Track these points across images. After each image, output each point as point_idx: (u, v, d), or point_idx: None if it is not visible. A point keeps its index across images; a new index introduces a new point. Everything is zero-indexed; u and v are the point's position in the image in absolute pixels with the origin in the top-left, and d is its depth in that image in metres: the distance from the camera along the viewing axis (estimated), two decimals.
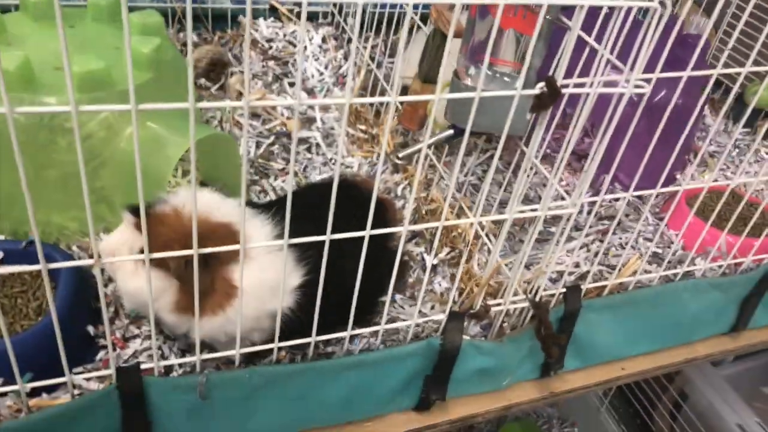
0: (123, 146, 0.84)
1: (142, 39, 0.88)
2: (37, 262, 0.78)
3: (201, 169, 1.01)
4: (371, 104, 1.20)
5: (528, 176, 0.67)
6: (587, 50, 0.70)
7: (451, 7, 0.90)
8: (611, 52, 0.60)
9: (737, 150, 1.32)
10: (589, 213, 1.01)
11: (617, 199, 1.06)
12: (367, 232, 0.58)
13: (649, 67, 0.59)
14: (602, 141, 0.61)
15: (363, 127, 1.18)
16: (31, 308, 0.75)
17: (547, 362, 0.84)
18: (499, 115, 0.64)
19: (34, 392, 0.65)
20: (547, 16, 0.67)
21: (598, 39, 0.61)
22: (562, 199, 0.69)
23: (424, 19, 1.16)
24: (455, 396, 0.80)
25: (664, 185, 0.84)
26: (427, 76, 0.94)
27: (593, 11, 0.62)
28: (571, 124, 0.61)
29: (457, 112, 0.75)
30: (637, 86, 0.58)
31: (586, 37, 0.61)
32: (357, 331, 0.72)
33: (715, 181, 1.09)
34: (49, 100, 0.81)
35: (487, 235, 0.87)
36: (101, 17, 0.96)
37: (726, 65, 0.70)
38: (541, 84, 0.56)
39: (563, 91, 0.55)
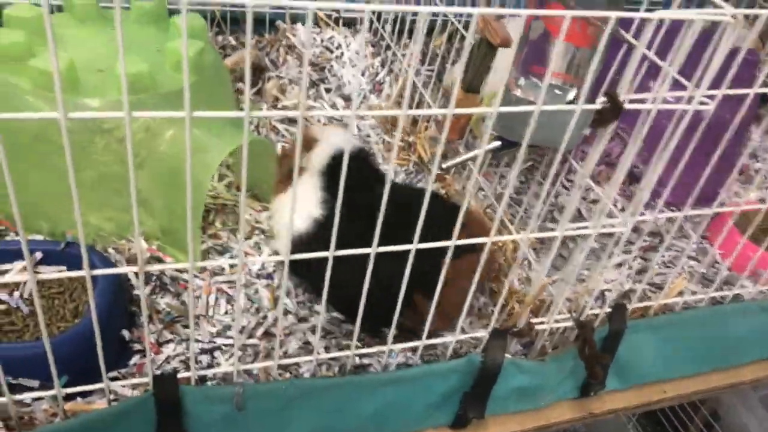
0: (163, 149, 0.84)
1: (187, 42, 0.87)
2: (75, 263, 0.78)
3: (238, 172, 1.00)
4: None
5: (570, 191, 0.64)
6: (645, 65, 0.68)
7: (499, 16, 0.88)
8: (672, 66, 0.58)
9: None
10: (634, 230, 0.98)
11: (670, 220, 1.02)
12: (452, 243, 0.57)
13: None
14: (660, 159, 0.59)
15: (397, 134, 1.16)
16: (68, 310, 0.74)
17: (587, 382, 0.82)
18: (552, 129, 0.62)
19: (69, 396, 0.65)
20: (603, 27, 0.64)
21: (659, 52, 0.59)
22: (608, 215, 0.67)
23: (465, 25, 1.15)
24: (492, 414, 0.78)
25: (709, 203, 0.81)
26: (471, 85, 0.92)
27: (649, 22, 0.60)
28: (630, 142, 0.58)
29: (506, 125, 0.73)
30: (701, 103, 0.56)
31: (652, 56, 0.59)
32: (397, 346, 0.70)
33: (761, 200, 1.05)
34: (92, 102, 0.81)
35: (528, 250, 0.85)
36: (144, 19, 0.96)
37: None
38: (603, 99, 0.54)
39: (628, 106, 0.53)
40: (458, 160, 0.79)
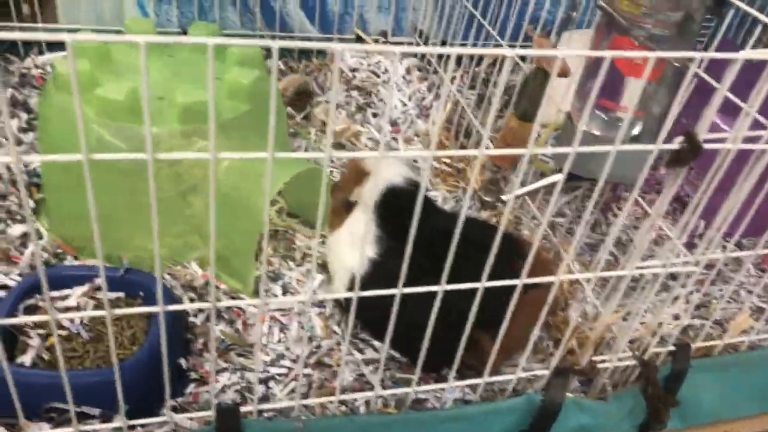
0: (219, 177, 0.84)
1: (242, 71, 0.88)
2: (133, 290, 0.79)
3: (288, 200, 1.01)
4: (456, 136, 1.18)
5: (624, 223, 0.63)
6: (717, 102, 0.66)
7: (554, 46, 0.87)
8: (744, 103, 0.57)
9: None
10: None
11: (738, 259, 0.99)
12: (521, 281, 0.55)
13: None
14: (736, 199, 0.57)
15: (447, 160, 1.16)
16: (126, 337, 0.75)
17: (647, 421, 0.79)
18: (620, 164, 0.61)
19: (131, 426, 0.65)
20: (676, 63, 0.63)
21: (736, 90, 0.58)
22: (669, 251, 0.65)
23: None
24: None
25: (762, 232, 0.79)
26: (526, 113, 0.92)
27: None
28: (704, 181, 0.57)
29: (585, 163, 0.72)
30: None
31: (734, 99, 0.57)
32: (458, 383, 0.69)
33: None
34: (152, 130, 0.82)
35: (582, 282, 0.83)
36: (200, 48, 0.97)
37: None
38: (681, 138, 0.52)
39: (707, 147, 0.51)
40: (523, 190, 0.78)
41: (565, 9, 1.30)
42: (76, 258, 0.86)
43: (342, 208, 0.85)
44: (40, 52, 1.20)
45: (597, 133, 0.69)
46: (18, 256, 0.83)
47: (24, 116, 1.06)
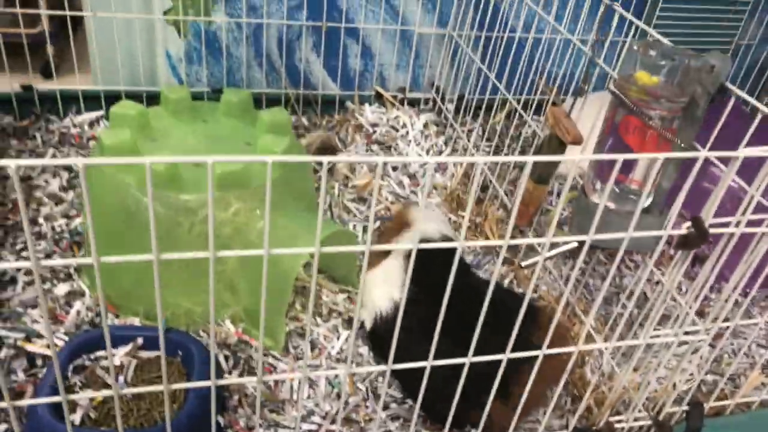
0: (252, 238, 0.89)
1: (273, 138, 0.94)
2: (171, 348, 0.83)
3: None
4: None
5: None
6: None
7: (567, 114, 0.93)
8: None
9: None
10: (699, 314, 0.99)
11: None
12: (542, 352, 0.60)
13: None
14: (743, 275, 0.62)
15: (464, 214, 1.21)
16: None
17: None
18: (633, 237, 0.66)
19: None
20: (681, 144, 0.68)
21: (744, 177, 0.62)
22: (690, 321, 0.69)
23: (524, 104, 1.19)
24: None
25: None
26: (541, 177, 0.96)
27: (724, 142, 0.63)
28: (709, 263, 0.61)
29: (585, 227, 0.76)
30: None
31: (740, 182, 0.62)
32: None
33: None
34: (189, 197, 0.87)
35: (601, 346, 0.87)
36: (232, 112, 1.04)
37: None
38: (688, 224, 0.57)
39: (707, 232, 0.56)
40: (536, 259, 0.82)
41: (577, 81, 1.36)
42: (117, 316, 0.91)
43: (381, 253, 0.91)
44: (77, 111, 1.26)
45: (611, 206, 0.73)
46: (64, 315, 0.88)
47: (65, 175, 1.12)
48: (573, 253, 0.88)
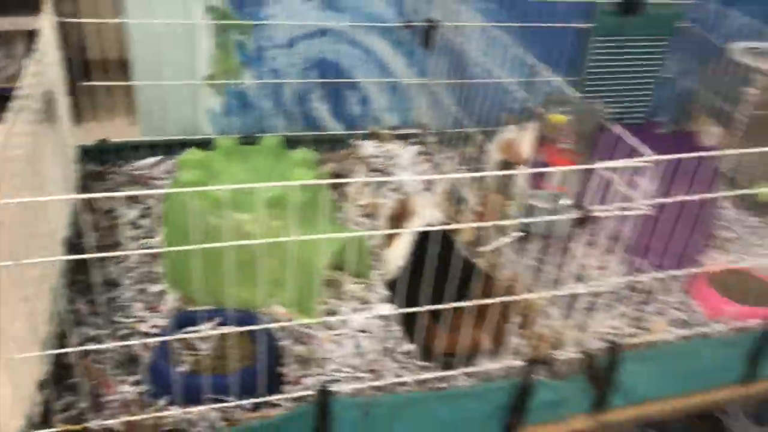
0: (290, 245, 1.23)
1: (305, 170, 1.28)
2: (240, 323, 1.15)
3: (336, 259, 1.39)
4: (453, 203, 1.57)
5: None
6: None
7: (515, 143, 1.27)
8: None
9: (755, 236, 1.61)
10: (632, 289, 1.34)
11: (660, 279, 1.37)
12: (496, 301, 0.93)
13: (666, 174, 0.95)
14: (623, 243, 0.95)
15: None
16: (241, 356, 1.11)
17: (597, 399, 1.15)
18: (553, 224, 1.00)
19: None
20: (581, 159, 1.03)
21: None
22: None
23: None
24: (531, 424, 1.11)
25: (689, 266, 1.17)
26: (501, 189, 1.31)
27: (611, 148, 0.97)
28: (599, 237, 0.95)
29: (525, 222, 1.11)
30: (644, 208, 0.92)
31: (612, 175, 0.97)
32: (457, 372, 1.06)
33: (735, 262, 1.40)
34: (245, 217, 1.20)
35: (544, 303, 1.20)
36: (269, 153, 1.38)
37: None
38: (580, 210, 0.91)
39: (593, 215, 0.90)
40: (494, 246, 1.16)
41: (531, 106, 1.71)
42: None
43: (392, 235, 1.29)
44: (135, 158, 1.61)
45: (541, 206, 1.08)
46: (159, 306, 1.21)
47: (139, 206, 1.45)
48: (523, 241, 1.22)
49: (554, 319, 1.12)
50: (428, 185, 1.66)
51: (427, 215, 1.25)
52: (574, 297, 1.02)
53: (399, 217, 1.31)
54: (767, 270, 1.47)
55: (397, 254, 1.24)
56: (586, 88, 1.87)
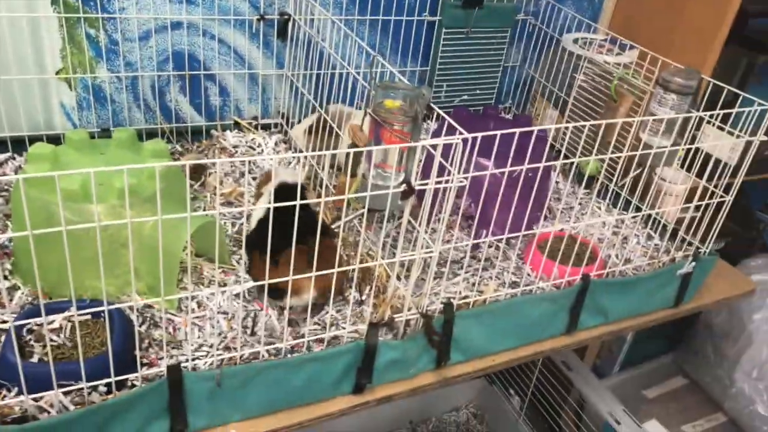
0: (146, 232, 1.26)
1: (158, 161, 1.31)
2: (97, 314, 1.18)
3: (194, 244, 1.43)
4: (314, 186, 1.66)
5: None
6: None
7: (361, 127, 1.37)
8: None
9: (579, 206, 1.82)
10: (473, 258, 1.48)
11: (491, 245, 1.53)
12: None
13: (502, 153, 1.08)
14: (444, 211, 1.08)
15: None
16: (97, 343, 1.14)
17: (438, 356, 1.28)
18: (384, 200, 1.10)
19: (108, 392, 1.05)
20: (412, 140, 1.14)
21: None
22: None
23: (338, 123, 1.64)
24: (378, 383, 1.22)
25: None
26: (353, 171, 1.41)
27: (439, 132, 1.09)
28: (425, 203, 1.07)
29: (364, 199, 1.20)
30: (460, 181, 1.05)
31: (440, 158, 1.08)
32: (311, 338, 1.14)
33: (561, 229, 1.58)
34: (99, 207, 1.22)
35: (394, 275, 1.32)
36: (123, 145, 1.39)
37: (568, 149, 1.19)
38: (404, 185, 1.02)
39: (417, 188, 1.01)
40: (343, 221, 1.26)
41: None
42: (50, 298, 1.24)
43: (259, 195, 1.42)
44: None
45: (379, 183, 1.18)
46: (7, 302, 1.21)
47: None
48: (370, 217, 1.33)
49: (399, 287, 1.23)
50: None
51: (282, 173, 1.39)
52: (415, 264, 1.13)
53: (263, 185, 1.46)
54: (588, 234, 1.68)
55: (257, 213, 1.37)
56: (438, 76, 2.02)
